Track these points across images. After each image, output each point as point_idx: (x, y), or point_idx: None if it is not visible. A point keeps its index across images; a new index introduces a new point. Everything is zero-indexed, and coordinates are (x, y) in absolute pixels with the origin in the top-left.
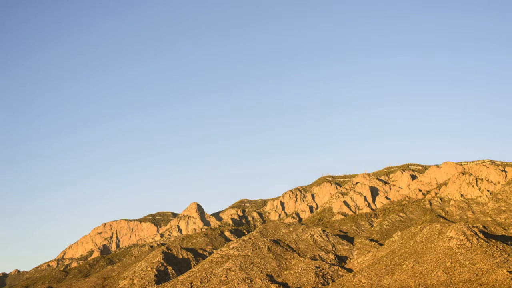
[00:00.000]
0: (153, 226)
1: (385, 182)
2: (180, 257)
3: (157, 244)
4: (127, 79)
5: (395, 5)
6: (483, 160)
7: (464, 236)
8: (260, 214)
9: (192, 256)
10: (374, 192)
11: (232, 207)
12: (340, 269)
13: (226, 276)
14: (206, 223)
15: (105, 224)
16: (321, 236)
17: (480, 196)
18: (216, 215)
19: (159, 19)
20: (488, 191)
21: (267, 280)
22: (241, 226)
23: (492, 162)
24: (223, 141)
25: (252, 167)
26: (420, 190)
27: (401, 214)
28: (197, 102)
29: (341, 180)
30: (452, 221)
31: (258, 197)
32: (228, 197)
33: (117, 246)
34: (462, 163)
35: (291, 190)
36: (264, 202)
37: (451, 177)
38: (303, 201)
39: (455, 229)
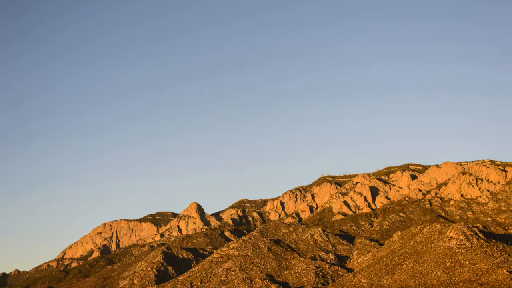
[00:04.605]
0: (153, 226)
1: (385, 182)
2: (180, 257)
3: (157, 244)
4: (126, 79)
5: (395, 10)
6: (483, 160)
7: (464, 236)
8: (260, 214)
9: (192, 256)
10: (374, 192)
11: (232, 207)
12: (340, 269)
13: (226, 276)
14: (206, 223)
15: (105, 224)
16: (321, 236)
17: (480, 196)
18: (216, 215)
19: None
20: (488, 191)
21: (267, 280)
22: (241, 226)
23: (492, 162)
24: (223, 141)
25: (252, 167)
26: (420, 190)
27: (401, 214)
28: (197, 102)
29: (341, 180)
30: (452, 221)
31: (258, 197)
32: (228, 197)
33: (117, 246)
34: (462, 163)
35: (291, 190)
36: (264, 202)
37: (451, 177)
38: (303, 201)
39: (455, 229)
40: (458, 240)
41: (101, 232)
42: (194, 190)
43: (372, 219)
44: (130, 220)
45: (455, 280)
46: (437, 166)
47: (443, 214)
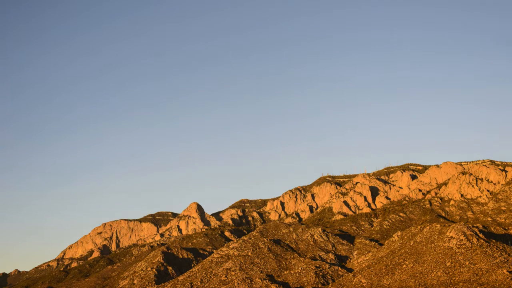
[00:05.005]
0: (153, 226)
1: (385, 182)
2: (180, 257)
3: (157, 244)
4: (125, 78)
5: (396, 3)
6: (483, 160)
7: (464, 236)
8: (260, 214)
9: (192, 256)
10: (374, 192)
11: (232, 207)
12: (340, 269)
13: (226, 276)
14: (206, 223)
15: (105, 224)
16: (321, 236)
17: (480, 196)
18: (216, 215)
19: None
20: (488, 191)
21: (267, 280)
22: (241, 226)
23: (492, 162)
24: (223, 141)
25: (252, 166)
26: (420, 190)
27: (401, 214)
28: (197, 102)
29: (341, 180)
30: (452, 221)
31: (258, 197)
32: (228, 197)
33: (117, 246)
34: (462, 163)
35: (291, 190)
36: (264, 202)
37: (451, 177)
38: (303, 201)
39: (455, 229)
40: (458, 240)
41: (101, 232)
42: (194, 190)
43: (372, 219)
44: (130, 220)
45: (455, 280)
46: (437, 166)
47: (443, 214)
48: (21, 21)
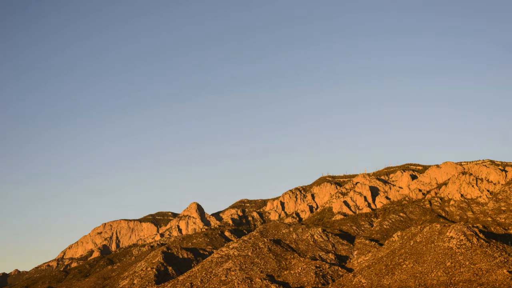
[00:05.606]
0: (153, 226)
1: (385, 182)
2: (180, 257)
3: (157, 244)
4: (124, 79)
5: (398, 7)
6: (483, 160)
7: (464, 236)
8: (260, 214)
9: (192, 256)
10: (374, 192)
11: (232, 207)
12: (340, 269)
13: (226, 276)
14: (206, 223)
15: (105, 224)
16: (321, 236)
17: (480, 196)
18: (216, 215)
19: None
20: (488, 191)
21: (267, 280)
22: (241, 226)
23: (492, 162)
24: (223, 141)
25: (252, 166)
26: (420, 190)
27: (401, 214)
28: (196, 101)
29: (341, 180)
30: (452, 221)
31: (258, 197)
32: (228, 197)
33: (117, 246)
34: (462, 163)
35: (291, 190)
36: (264, 202)
37: (451, 177)
38: (303, 201)
39: (455, 229)
40: (458, 240)
41: (101, 232)
42: (194, 190)
43: (372, 219)
44: (130, 220)
45: (455, 280)
46: (437, 166)
47: (443, 214)
48: (29, 22)
